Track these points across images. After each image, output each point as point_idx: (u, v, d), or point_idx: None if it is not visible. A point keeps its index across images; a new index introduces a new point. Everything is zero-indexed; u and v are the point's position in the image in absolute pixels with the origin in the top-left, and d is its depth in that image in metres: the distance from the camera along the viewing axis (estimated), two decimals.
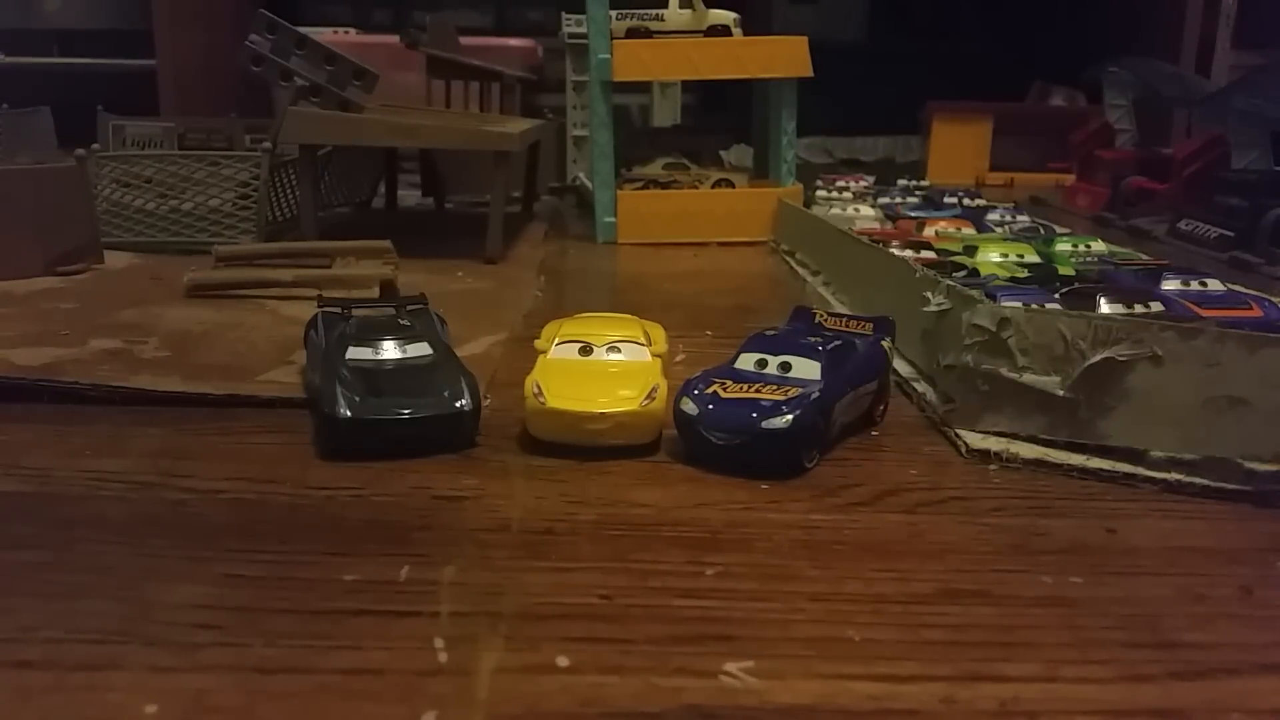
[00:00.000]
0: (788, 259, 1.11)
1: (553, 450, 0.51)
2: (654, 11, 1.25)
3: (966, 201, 1.34)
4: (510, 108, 1.54)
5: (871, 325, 0.59)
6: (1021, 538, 0.43)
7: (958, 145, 2.06)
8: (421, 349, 0.55)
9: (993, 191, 1.71)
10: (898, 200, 1.35)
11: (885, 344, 0.57)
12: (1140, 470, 0.50)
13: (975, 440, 0.53)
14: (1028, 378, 0.52)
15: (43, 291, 0.84)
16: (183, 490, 0.46)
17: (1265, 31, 1.88)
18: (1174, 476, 0.49)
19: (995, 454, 0.52)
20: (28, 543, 0.41)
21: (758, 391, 0.50)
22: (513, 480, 0.49)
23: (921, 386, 0.61)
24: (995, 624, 0.36)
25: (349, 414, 0.50)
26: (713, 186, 1.31)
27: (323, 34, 1.43)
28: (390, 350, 0.54)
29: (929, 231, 1.08)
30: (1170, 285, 0.75)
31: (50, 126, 1.49)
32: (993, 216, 1.19)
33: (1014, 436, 0.53)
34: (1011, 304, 0.57)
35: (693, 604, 0.37)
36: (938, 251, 0.92)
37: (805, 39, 1.26)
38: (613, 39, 1.21)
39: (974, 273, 0.81)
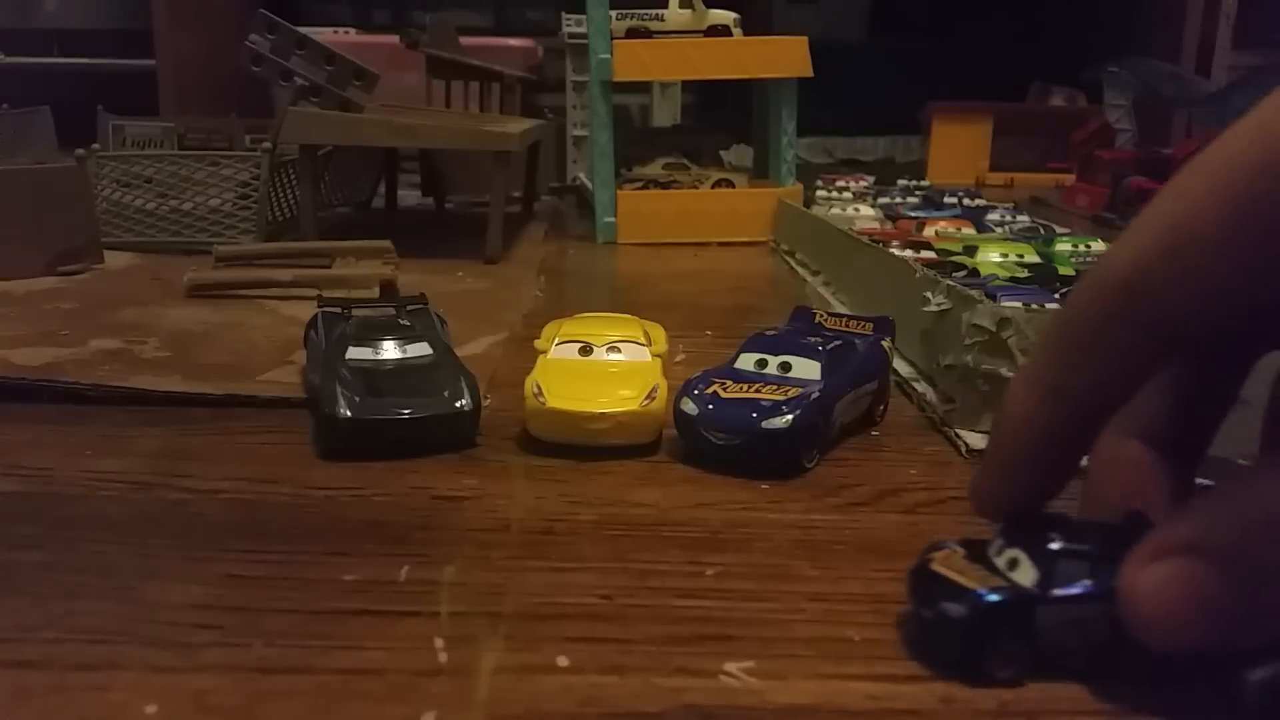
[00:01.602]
0: (788, 259, 1.11)
1: (553, 450, 0.51)
2: (654, 11, 1.25)
3: (966, 201, 1.34)
4: (510, 108, 1.54)
5: (871, 325, 0.58)
6: None
7: (958, 145, 2.05)
8: (421, 349, 0.55)
9: (993, 192, 1.71)
10: (898, 200, 1.35)
11: (885, 344, 0.57)
12: None
13: (975, 440, 0.53)
14: None
15: (43, 291, 0.84)
16: (183, 490, 0.46)
17: (1265, 31, 1.88)
18: None
19: None
20: (28, 543, 0.41)
21: (758, 391, 0.50)
22: (513, 480, 0.49)
23: (921, 386, 0.62)
24: None
25: (349, 414, 0.50)
26: (713, 186, 1.31)
27: (323, 34, 1.43)
28: (390, 350, 0.54)
29: (929, 231, 1.07)
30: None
31: (50, 126, 1.49)
32: (993, 216, 1.19)
33: None
34: (1011, 304, 0.57)
35: (693, 604, 0.37)
36: (938, 251, 0.92)
37: (805, 39, 1.26)
38: (613, 39, 1.21)
39: (974, 273, 0.81)
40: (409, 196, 1.56)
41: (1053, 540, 0.32)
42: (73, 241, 0.92)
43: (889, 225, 1.16)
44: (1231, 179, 0.27)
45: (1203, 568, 0.28)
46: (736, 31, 1.25)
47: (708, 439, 0.49)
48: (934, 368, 0.60)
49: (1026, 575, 0.32)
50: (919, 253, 0.91)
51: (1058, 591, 0.31)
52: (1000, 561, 0.32)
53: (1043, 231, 1.13)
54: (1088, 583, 0.31)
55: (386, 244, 0.90)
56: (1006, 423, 0.34)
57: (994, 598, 0.31)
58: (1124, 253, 0.30)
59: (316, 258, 0.90)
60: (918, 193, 1.45)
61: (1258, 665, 0.29)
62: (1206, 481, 0.43)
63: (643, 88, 1.84)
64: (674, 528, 0.43)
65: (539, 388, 0.52)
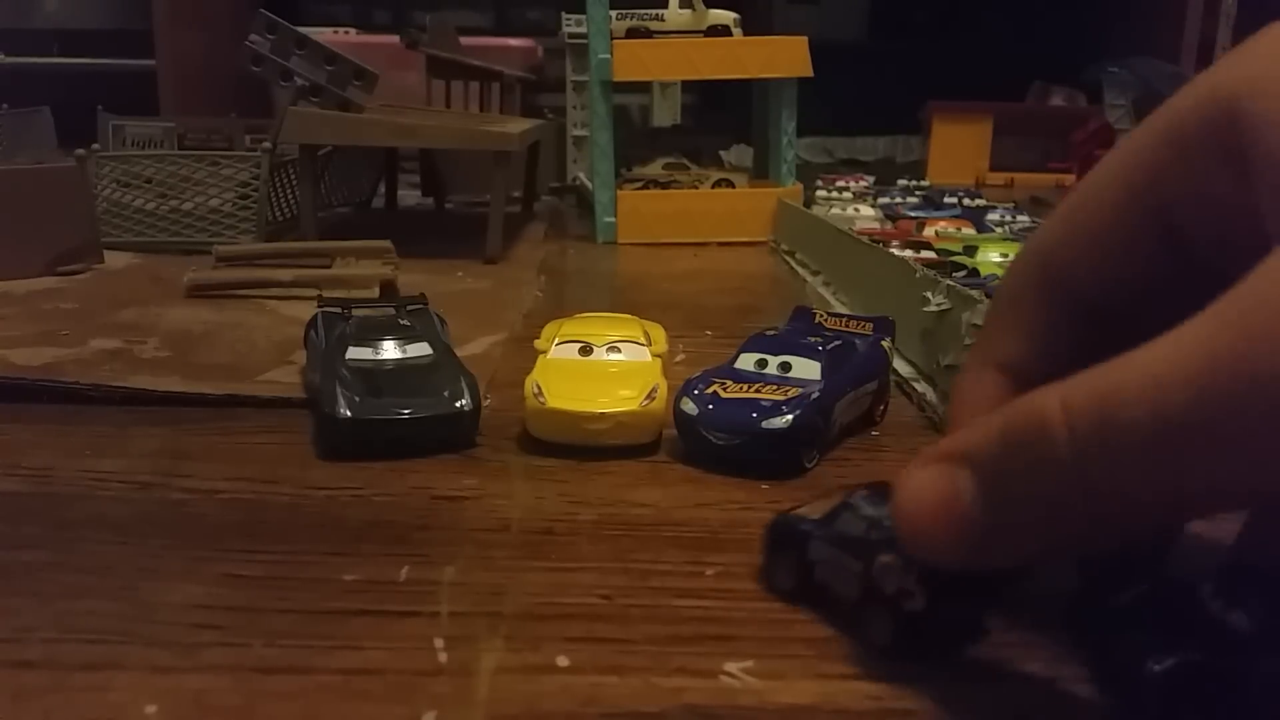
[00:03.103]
0: (788, 259, 1.11)
1: (553, 450, 0.51)
2: (654, 11, 1.25)
3: (966, 201, 1.34)
4: (510, 108, 1.54)
5: (871, 325, 0.58)
6: None
7: (958, 145, 2.06)
8: (421, 349, 0.55)
9: (993, 191, 1.71)
10: (898, 200, 1.35)
11: (885, 344, 0.57)
12: None
13: None
14: None
15: (43, 291, 0.84)
16: (183, 490, 0.46)
17: None
18: None
19: None
20: (28, 543, 0.41)
21: (758, 391, 0.50)
22: (513, 480, 0.49)
23: (921, 386, 0.62)
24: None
25: (349, 414, 0.50)
26: (713, 186, 1.31)
27: (323, 34, 1.43)
28: (390, 350, 0.54)
29: (929, 231, 1.08)
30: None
31: (50, 126, 1.49)
32: (993, 216, 1.19)
33: None
34: None
35: (693, 604, 0.37)
36: (938, 251, 0.92)
37: (805, 39, 1.26)
38: (613, 39, 1.22)
39: (974, 273, 0.81)
40: (409, 196, 1.56)
41: (857, 496, 0.35)
42: (73, 241, 0.92)
43: (889, 225, 1.16)
44: (1124, 150, 0.30)
45: (963, 476, 0.27)
46: (736, 31, 1.25)
47: (708, 439, 0.49)
48: (934, 368, 0.60)
49: (825, 517, 0.36)
50: (919, 253, 0.91)
51: (823, 532, 0.35)
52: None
53: None
54: (848, 534, 0.34)
55: (386, 244, 0.90)
56: (958, 403, 0.34)
57: (786, 522, 0.37)
58: (1047, 224, 0.32)
59: (316, 258, 0.90)
60: (918, 193, 1.45)
61: (1160, 656, 0.28)
62: None
63: (643, 88, 1.84)
64: (674, 528, 0.43)
65: (539, 388, 0.52)
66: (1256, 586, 0.29)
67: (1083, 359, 0.30)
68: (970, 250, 0.92)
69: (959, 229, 1.08)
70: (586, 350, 0.55)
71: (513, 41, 1.87)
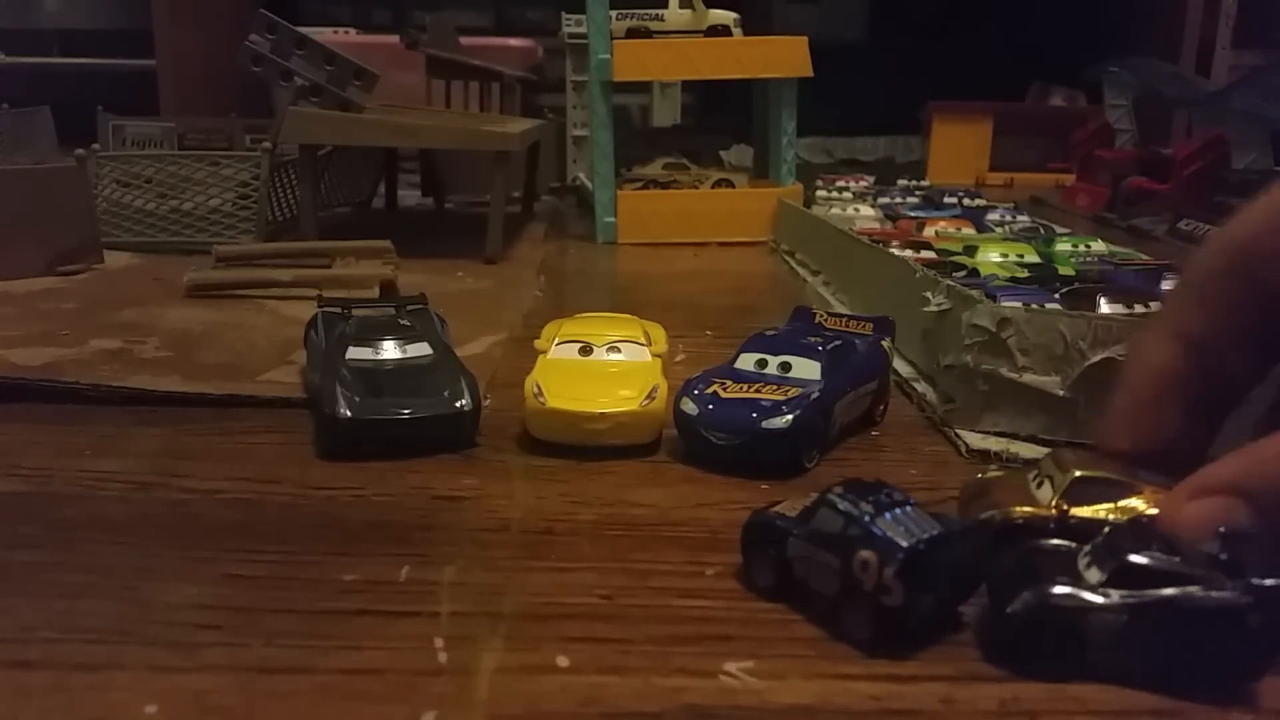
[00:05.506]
0: (788, 259, 1.11)
1: (553, 450, 0.51)
2: (654, 11, 1.25)
3: (966, 201, 1.34)
4: (510, 108, 1.54)
5: (871, 325, 0.58)
6: None
7: (958, 145, 2.05)
8: (421, 349, 0.55)
9: (993, 191, 1.71)
10: (898, 200, 1.35)
11: (885, 344, 0.57)
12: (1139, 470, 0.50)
13: (975, 440, 0.53)
14: (1028, 378, 0.52)
15: (43, 291, 0.84)
16: (183, 490, 0.46)
17: (1265, 31, 1.88)
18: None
19: (995, 454, 0.52)
20: (28, 543, 0.41)
21: (758, 391, 0.50)
22: (513, 480, 0.49)
23: (921, 386, 0.62)
24: None
25: (349, 414, 0.50)
26: (713, 186, 1.31)
27: (323, 34, 1.43)
28: (390, 350, 0.54)
29: (929, 231, 1.07)
30: (1170, 285, 0.75)
31: (50, 126, 1.49)
32: (993, 216, 1.19)
33: (1014, 436, 0.53)
34: (1011, 304, 0.57)
35: (693, 604, 0.37)
36: (938, 251, 0.92)
37: (805, 39, 1.26)
38: (613, 39, 1.21)
39: (974, 273, 0.81)
40: (409, 196, 1.56)
41: (833, 495, 0.36)
42: (73, 241, 0.92)
43: (889, 225, 1.16)
44: None
45: (1238, 505, 0.32)
46: (736, 31, 1.25)
47: (708, 439, 0.49)
48: (934, 368, 0.60)
49: (802, 514, 0.37)
50: (919, 253, 0.91)
51: (801, 529, 0.36)
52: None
53: (1043, 231, 1.13)
54: (826, 530, 0.35)
55: (386, 244, 0.90)
56: (1139, 368, 0.39)
57: (761, 519, 0.38)
58: (1244, 221, 0.36)
59: (316, 258, 0.90)
60: (918, 193, 1.45)
61: (1016, 600, 0.33)
62: None
63: (643, 88, 1.84)
64: (674, 528, 0.43)
65: (539, 388, 0.52)
66: (1120, 545, 0.33)
67: (1260, 340, 0.36)
68: (970, 250, 0.92)
69: (959, 229, 1.08)
70: (586, 350, 0.55)
71: (513, 41, 1.87)
